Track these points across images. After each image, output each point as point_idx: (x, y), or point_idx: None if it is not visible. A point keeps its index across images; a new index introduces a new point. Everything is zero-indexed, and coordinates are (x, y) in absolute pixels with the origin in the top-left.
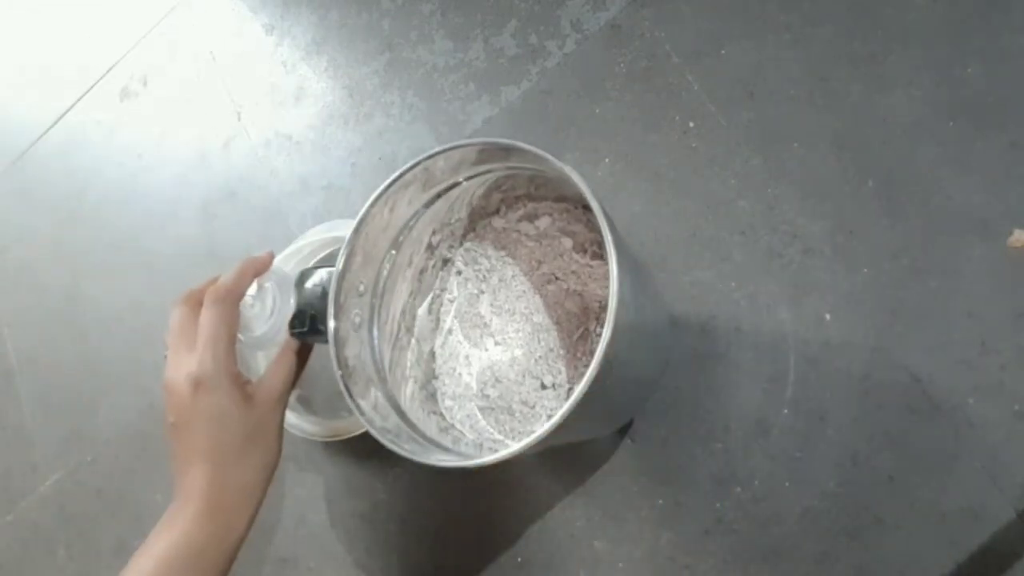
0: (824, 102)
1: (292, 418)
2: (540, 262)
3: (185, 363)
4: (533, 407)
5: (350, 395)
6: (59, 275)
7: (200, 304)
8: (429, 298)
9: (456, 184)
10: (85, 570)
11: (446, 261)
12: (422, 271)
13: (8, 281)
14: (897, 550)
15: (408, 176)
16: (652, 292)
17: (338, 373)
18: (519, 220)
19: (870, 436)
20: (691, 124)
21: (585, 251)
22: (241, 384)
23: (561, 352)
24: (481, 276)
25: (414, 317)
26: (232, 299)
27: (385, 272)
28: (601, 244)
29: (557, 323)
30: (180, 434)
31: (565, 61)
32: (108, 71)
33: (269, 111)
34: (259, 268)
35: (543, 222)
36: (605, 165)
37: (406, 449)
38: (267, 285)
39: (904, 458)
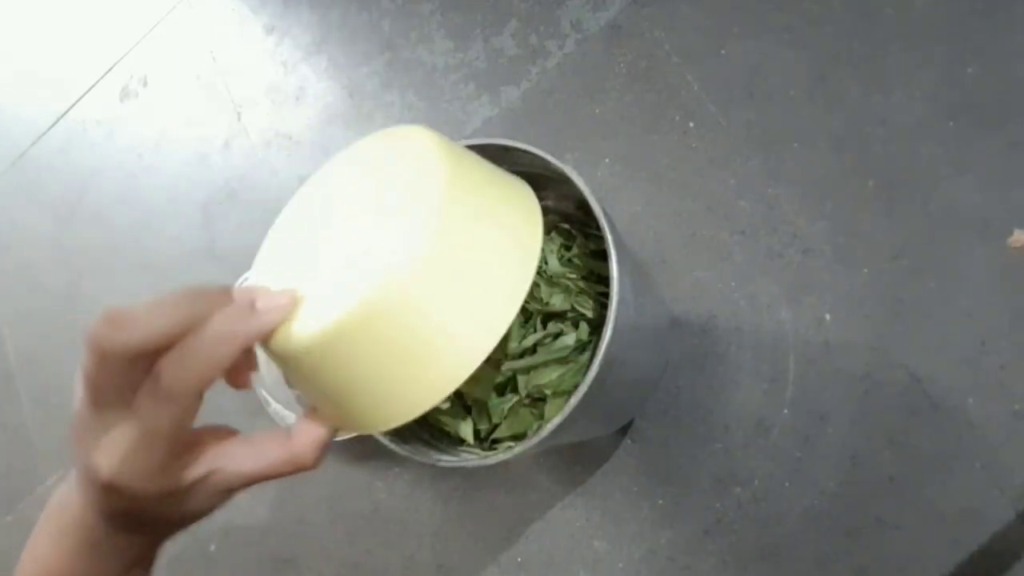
0: (824, 102)
1: (292, 419)
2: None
3: (105, 443)
4: None
5: None
6: (59, 275)
7: (162, 342)
8: None
9: None
10: None
11: None
12: None
13: (8, 281)
14: (897, 550)
15: None
16: (652, 292)
17: None
18: None
19: (870, 436)
20: (691, 124)
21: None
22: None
23: None
24: None
25: None
26: (192, 396)
27: None
28: (601, 244)
29: None
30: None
31: (565, 61)
32: (108, 71)
33: (269, 111)
34: (237, 347)
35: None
36: (605, 165)
37: (406, 449)
38: None
39: (904, 458)
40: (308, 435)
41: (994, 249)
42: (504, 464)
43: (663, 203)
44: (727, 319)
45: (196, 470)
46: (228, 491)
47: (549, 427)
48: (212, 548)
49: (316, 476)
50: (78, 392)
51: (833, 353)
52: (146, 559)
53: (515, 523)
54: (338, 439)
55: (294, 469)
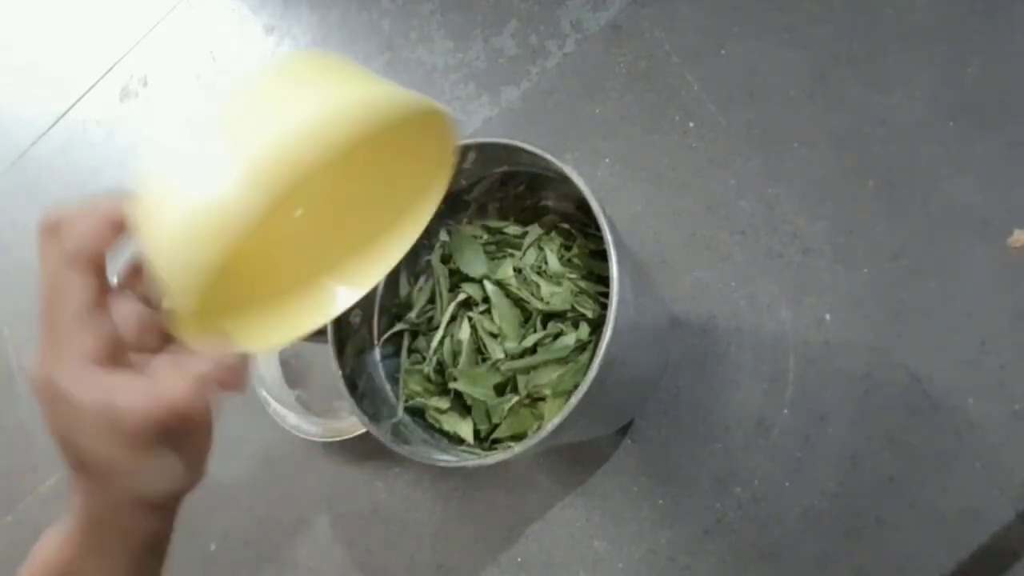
0: (824, 102)
1: (292, 419)
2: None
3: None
4: None
5: (351, 395)
6: None
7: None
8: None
9: (456, 183)
10: None
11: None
12: None
13: (8, 281)
14: (897, 550)
15: None
16: (652, 292)
17: (338, 374)
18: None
19: (870, 436)
20: (691, 124)
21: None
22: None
23: None
24: None
25: None
26: (83, 263)
27: None
28: (601, 244)
29: None
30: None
31: (565, 61)
32: (108, 71)
33: None
34: (116, 216)
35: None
36: (605, 165)
37: (406, 449)
38: None
39: (904, 458)
40: (207, 357)
41: (994, 249)
42: (504, 464)
43: (663, 203)
44: (727, 319)
45: (92, 393)
46: (126, 435)
47: (549, 427)
48: (212, 548)
49: (316, 476)
50: None
51: (833, 353)
52: (150, 545)
53: (515, 523)
54: (338, 439)
55: (195, 399)
